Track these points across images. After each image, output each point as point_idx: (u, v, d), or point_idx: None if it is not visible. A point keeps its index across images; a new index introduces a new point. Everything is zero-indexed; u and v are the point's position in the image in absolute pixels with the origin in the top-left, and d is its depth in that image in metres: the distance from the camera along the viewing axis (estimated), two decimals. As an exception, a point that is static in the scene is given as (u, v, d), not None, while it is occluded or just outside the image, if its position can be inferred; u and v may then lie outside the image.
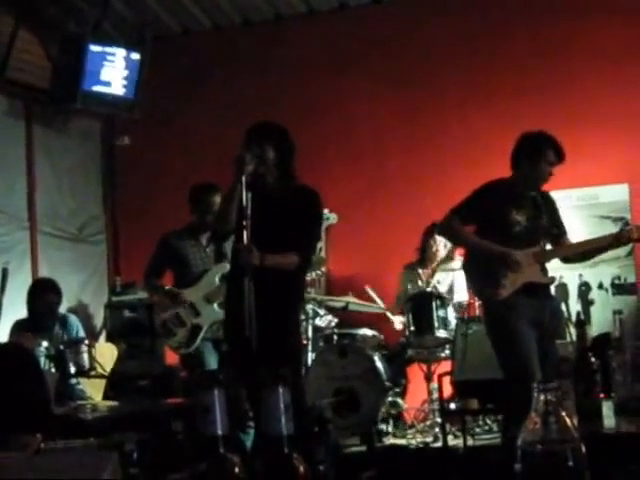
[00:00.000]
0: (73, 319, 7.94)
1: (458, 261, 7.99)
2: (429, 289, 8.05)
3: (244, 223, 5.16)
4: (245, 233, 5.14)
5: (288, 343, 5.39)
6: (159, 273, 7.25)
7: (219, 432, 1.93)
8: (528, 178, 5.82)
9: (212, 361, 6.87)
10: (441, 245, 8.23)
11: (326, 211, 7.56)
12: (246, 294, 5.07)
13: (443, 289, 8.07)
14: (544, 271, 5.84)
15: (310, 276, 7.81)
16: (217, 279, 6.88)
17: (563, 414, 1.90)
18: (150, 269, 7.21)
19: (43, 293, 7.84)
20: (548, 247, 5.96)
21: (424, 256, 8.37)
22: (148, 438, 5.00)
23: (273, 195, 5.45)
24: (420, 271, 8.41)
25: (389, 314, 8.28)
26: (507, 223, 5.72)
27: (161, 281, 7.27)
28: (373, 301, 8.33)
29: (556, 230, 5.97)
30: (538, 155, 5.75)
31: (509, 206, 5.75)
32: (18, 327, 7.81)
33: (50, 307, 7.79)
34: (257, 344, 5.02)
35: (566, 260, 6.14)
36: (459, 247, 6.24)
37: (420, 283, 8.31)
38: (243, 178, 5.19)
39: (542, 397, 1.90)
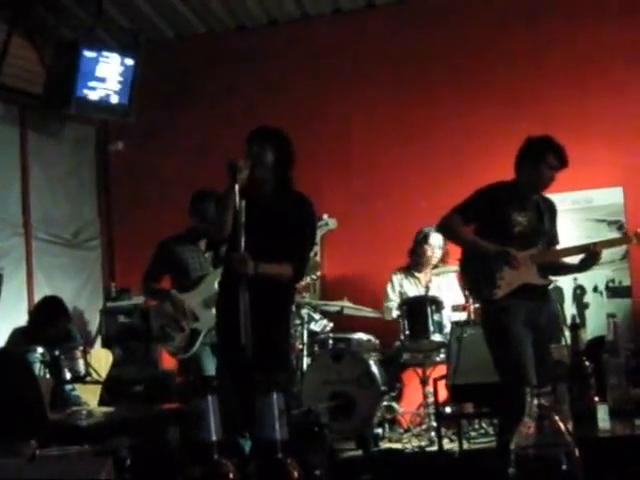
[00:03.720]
0: (74, 331, 7.90)
1: (452, 265, 8.03)
2: (430, 293, 8.05)
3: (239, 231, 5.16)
4: (239, 241, 5.14)
5: (279, 350, 5.40)
6: (158, 278, 7.25)
7: (213, 438, 1.93)
8: (530, 181, 5.84)
9: (210, 366, 6.86)
10: (436, 248, 8.25)
11: (325, 216, 7.56)
12: (242, 303, 5.07)
13: (443, 293, 8.06)
14: (542, 273, 5.85)
15: (305, 280, 7.81)
16: (216, 284, 6.88)
17: (556, 418, 1.91)
18: (149, 274, 7.21)
19: (54, 319, 7.73)
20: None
21: (418, 261, 8.38)
22: (142, 443, 4.99)
23: (268, 202, 5.44)
24: (417, 275, 8.41)
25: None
26: (508, 223, 5.74)
27: (159, 285, 7.26)
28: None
29: (551, 235, 5.99)
30: (540, 159, 5.76)
31: (511, 206, 5.77)
32: (18, 335, 7.76)
33: (58, 331, 7.71)
34: (253, 351, 5.02)
35: (554, 271, 6.14)
36: (457, 245, 6.22)
37: (420, 287, 8.32)
38: (236, 186, 5.18)
39: (535, 401, 1.90)
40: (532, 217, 5.84)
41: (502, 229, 5.74)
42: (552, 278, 6.14)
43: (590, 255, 5.85)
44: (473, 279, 5.97)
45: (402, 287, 8.38)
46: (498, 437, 6.04)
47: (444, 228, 6.05)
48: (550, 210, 6.04)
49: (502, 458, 5.18)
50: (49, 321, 7.71)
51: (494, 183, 5.87)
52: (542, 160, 5.77)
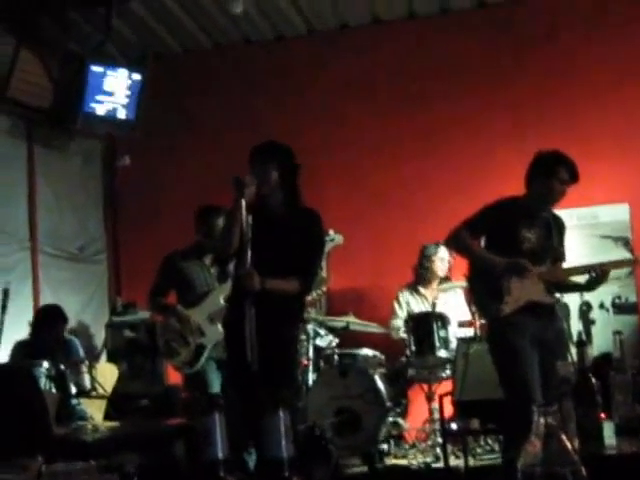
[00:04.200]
0: (74, 342, 7.94)
1: (458, 281, 8.01)
2: (437, 309, 8.04)
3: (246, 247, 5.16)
4: (246, 257, 5.13)
5: (287, 366, 5.39)
6: (164, 293, 7.25)
7: (219, 456, 1.93)
8: (540, 196, 5.81)
9: (215, 381, 6.86)
10: (442, 262, 8.25)
11: (331, 232, 7.55)
12: (247, 320, 5.06)
13: (450, 308, 8.04)
14: (549, 291, 5.82)
15: (311, 296, 7.81)
16: (221, 299, 6.89)
17: (563, 437, 1.90)
18: (155, 289, 7.22)
19: (52, 323, 7.81)
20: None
21: (424, 275, 8.37)
22: (148, 459, 4.99)
23: (276, 217, 5.44)
24: (423, 291, 8.39)
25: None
26: (516, 239, 5.72)
27: (167, 300, 7.27)
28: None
29: (559, 252, 5.97)
30: (551, 173, 5.74)
31: (520, 223, 5.75)
32: (20, 348, 7.81)
33: (57, 336, 7.78)
34: (259, 368, 5.01)
35: (559, 289, 6.12)
36: (466, 259, 6.17)
37: (426, 304, 8.29)
38: (242, 201, 5.18)
39: (542, 420, 1.90)
40: (541, 234, 5.81)
41: (511, 245, 5.72)
42: (557, 295, 6.12)
43: (597, 275, 5.83)
44: (480, 295, 5.95)
45: (409, 305, 8.36)
46: (503, 454, 6.02)
47: (452, 242, 6.00)
48: (559, 227, 6.02)
49: (507, 475, 5.17)
50: (47, 327, 7.76)
51: (504, 198, 5.85)
52: (553, 175, 5.74)
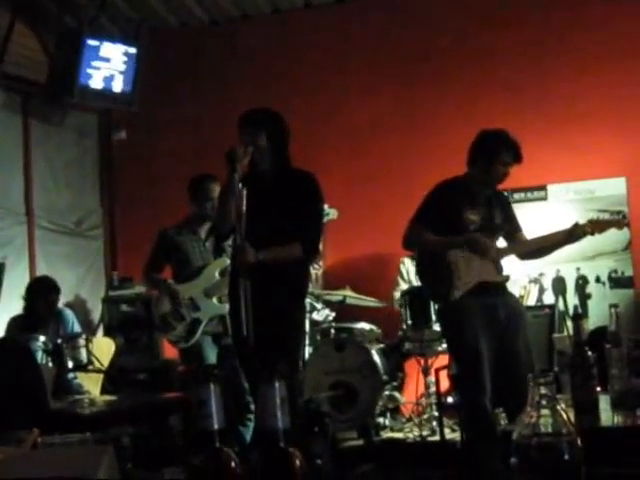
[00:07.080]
0: (68, 313, 7.94)
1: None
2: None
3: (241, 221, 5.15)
4: (241, 231, 5.12)
5: (284, 338, 5.37)
6: (159, 267, 7.24)
7: (215, 426, 1.93)
8: (483, 177, 5.73)
9: (211, 355, 6.87)
10: None
11: (326, 206, 7.54)
12: (242, 294, 5.05)
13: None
14: (499, 269, 5.78)
15: (313, 269, 7.78)
16: (217, 274, 6.88)
17: (558, 408, 1.90)
18: (150, 263, 7.20)
19: (45, 294, 7.81)
20: (502, 245, 5.94)
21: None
22: (144, 432, 5.00)
23: (268, 183, 5.42)
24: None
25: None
26: (462, 222, 5.64)
27: (161, 275, 7.26)
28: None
29: (509, 227, 5.92)
30: (494, 155, 5.65)
31: (463, 205, 5.68)
32: (15, 323, 7.82)
33: (51, 307, 7.79)
34: (257, 341, 5.00)
35: (522, 256, 6.08)
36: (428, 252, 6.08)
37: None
38: (236, 175, 5.17)
39: (537, 391, 1.90)
40: (485, 213, 5.75)
41: (456, 228, 5.64)
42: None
43: (575, 236, 5.78)
44: (431, 282, 5.89)
45: (409, 275, 8.36)
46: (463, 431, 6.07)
47: (407, 243, 5.89)
48: (501, 203, 5.93)
49: (470, 454, 5.22)
50: (40, 299, 7.76)
51: (444, 181, 5.76)
52: (496, 156, 5.65)
